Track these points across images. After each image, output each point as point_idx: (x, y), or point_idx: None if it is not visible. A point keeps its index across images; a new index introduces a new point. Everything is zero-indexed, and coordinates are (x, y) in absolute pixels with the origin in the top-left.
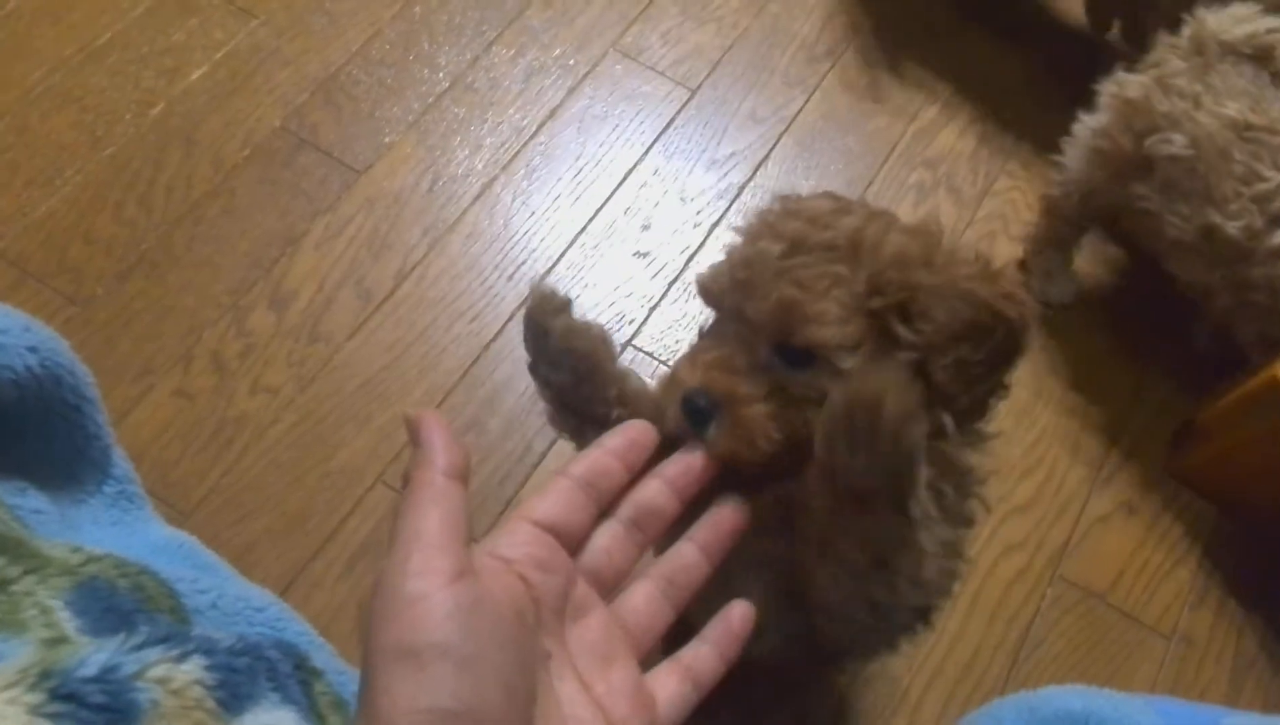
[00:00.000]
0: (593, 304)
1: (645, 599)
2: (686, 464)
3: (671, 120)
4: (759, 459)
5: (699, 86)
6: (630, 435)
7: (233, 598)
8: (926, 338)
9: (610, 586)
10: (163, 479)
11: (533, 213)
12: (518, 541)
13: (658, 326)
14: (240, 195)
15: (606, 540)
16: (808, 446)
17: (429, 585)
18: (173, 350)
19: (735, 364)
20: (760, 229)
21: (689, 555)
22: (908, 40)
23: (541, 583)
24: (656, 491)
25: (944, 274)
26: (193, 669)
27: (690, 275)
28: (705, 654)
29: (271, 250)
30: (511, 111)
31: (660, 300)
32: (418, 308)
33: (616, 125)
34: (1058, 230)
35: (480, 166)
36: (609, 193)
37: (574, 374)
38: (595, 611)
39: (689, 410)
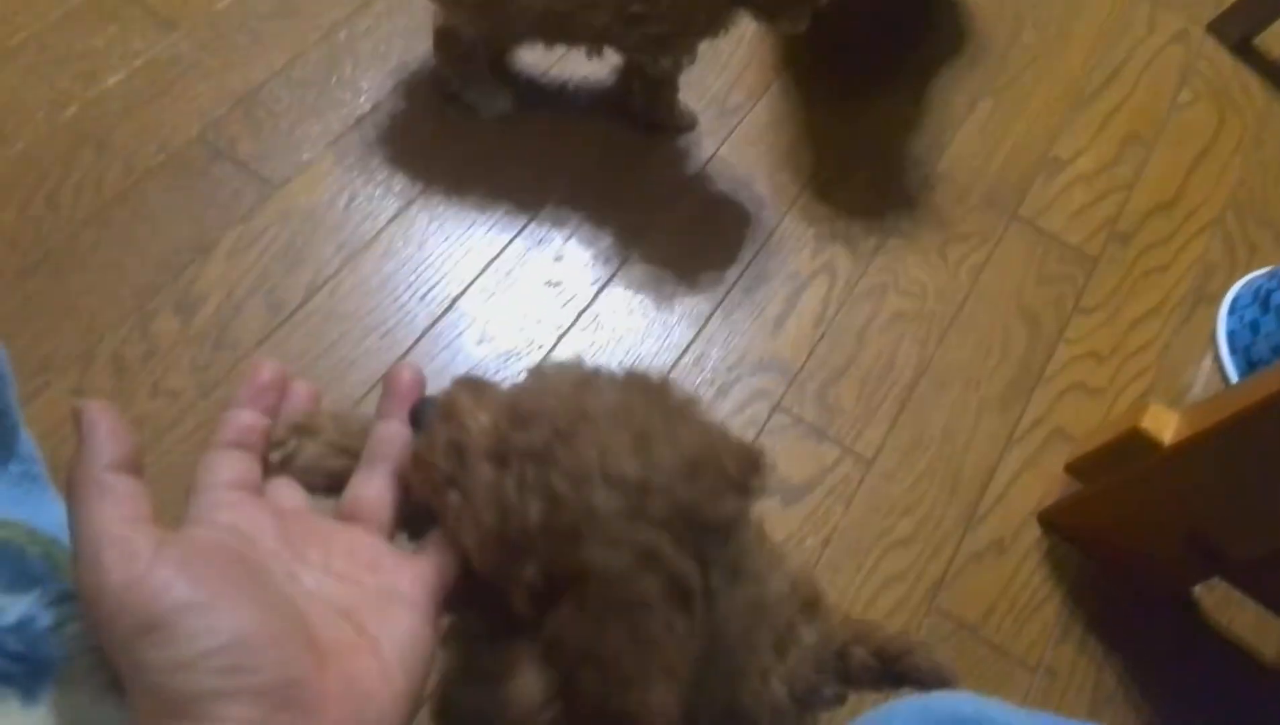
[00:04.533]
0: (502, 328)
1: (366, 483)
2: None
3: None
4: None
5: (614, 126)
6: (259, 382)
7: None
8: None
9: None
10: (54, 478)
11: (448, 237)
12: (210, 503)
13: (566, 353)
14: (151, 201)
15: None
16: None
17: (134, 569)
18: (72, 349)
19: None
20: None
21: (389, 428)
22: (816, 98)
23: (249, 524)
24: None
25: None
26: None
27: (600, 306)
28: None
29: (181, 257)
30: (432, 137)
31: (570, 328)
32: (328, 321)
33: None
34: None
35: (398, 189)
36: (524, 222)
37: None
38: (326, 531)
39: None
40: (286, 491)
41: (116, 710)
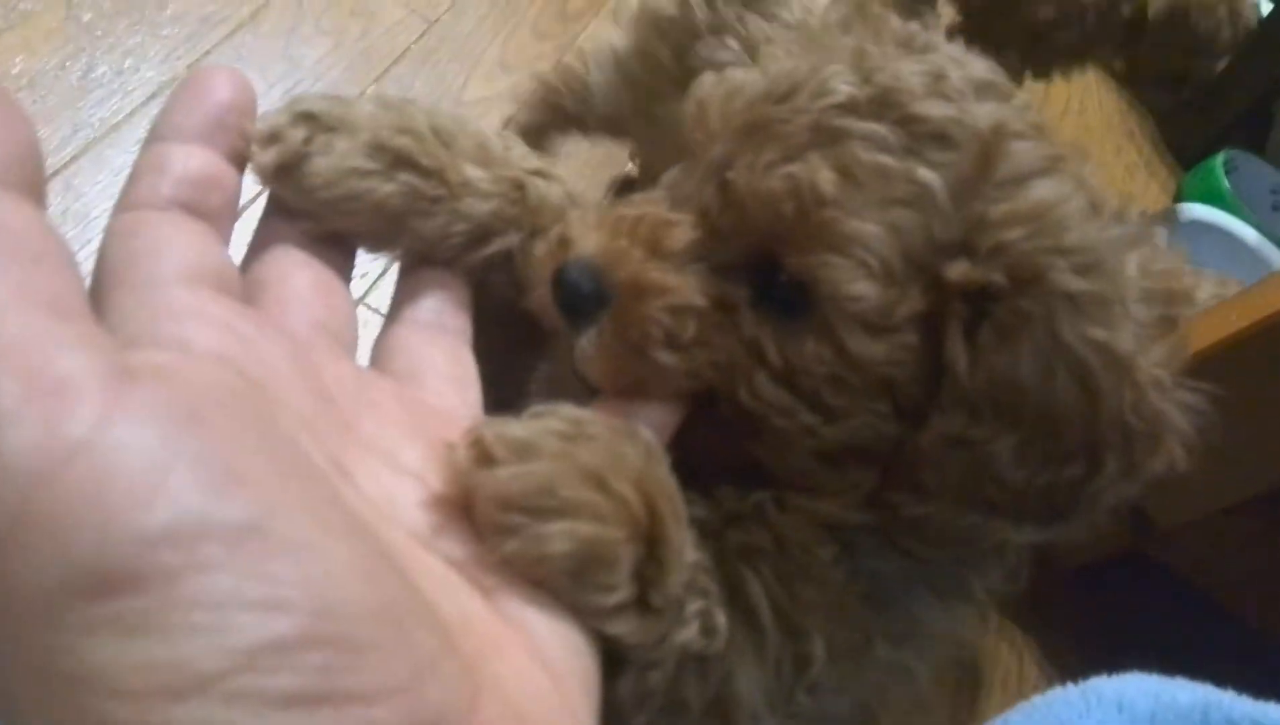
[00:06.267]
0: None
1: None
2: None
3: (406, 50)
4: (650, 394)
5: (438, 19)
6: (213, 97)
7: None
8: (977, 384)
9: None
10: None
11: None
12: (162, 309)
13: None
14: None
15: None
16: (733, 424)
17: (69, 424)
18: None
19: (670, 238)
20: (833, 43)
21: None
22: None
23: (246, 355)
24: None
25: (1098, 311)
26: None
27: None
28: None
29: None
30: (203, 0)
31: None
32: (63, 227)
33: (339, 43)
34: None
35: (157, 57)
36: None
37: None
38: (379, 383)
39: (565, 292)
40: (296, 296)
41: None
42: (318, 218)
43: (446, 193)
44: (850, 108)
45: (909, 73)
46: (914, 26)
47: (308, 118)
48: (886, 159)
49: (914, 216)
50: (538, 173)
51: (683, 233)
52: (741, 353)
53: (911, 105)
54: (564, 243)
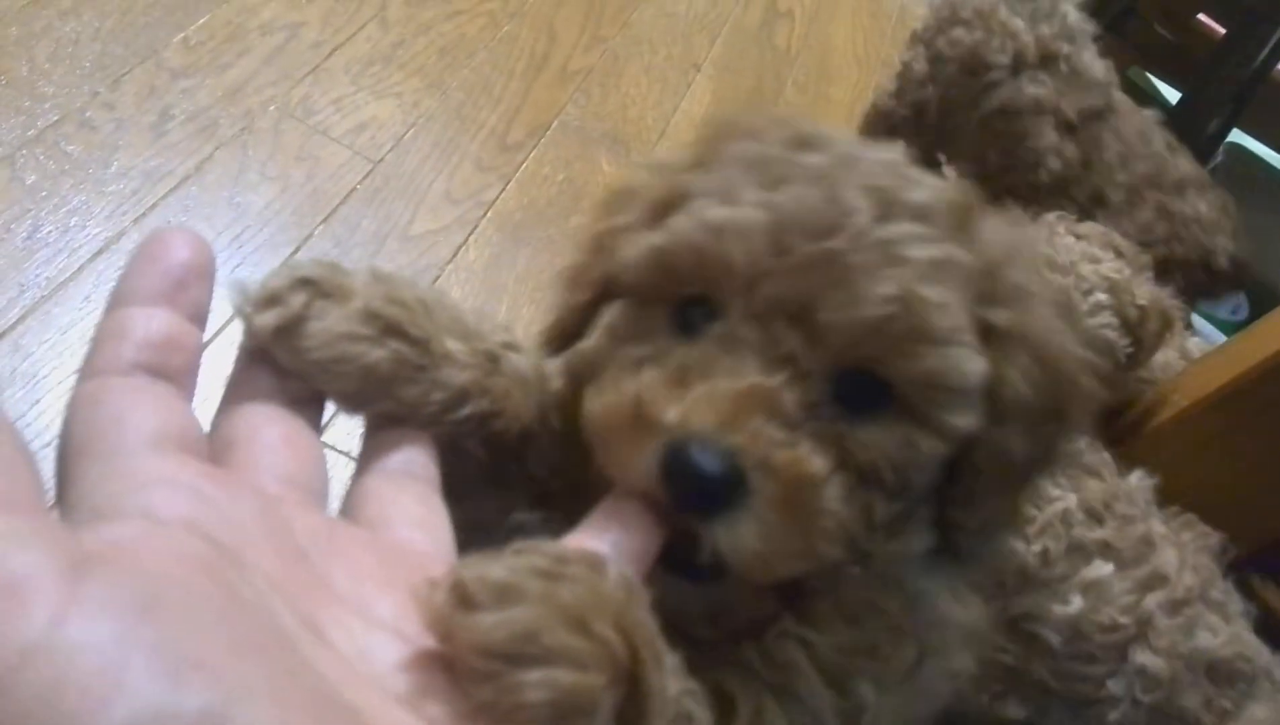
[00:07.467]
0: None
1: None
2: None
3: (352, 191)
4: (789, 576)
5: (382, 159)
6: (172, 258)
7: None
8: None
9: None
10: None
11: None
12: (130, 480)
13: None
14: None
15: (276, 434)
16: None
17: (25, 625)
18: None
19: (781, 403)
20: (802, 165)
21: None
22: (609, 139)
23: (215, 518)
24: None
25: (1039, 314)
26: None
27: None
28: None
29: None
30: (147, 156)
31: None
32: (10, 387)
33: (285, 188)
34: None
35: (102, 214)
36: (278, 263)
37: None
38: (350, 535)
39: (686, 477)
40: (265, 452)
41: None
42: (308, 378)
43: (430, 362)
44: (880, 217)
45: (873, 171)
46: (797, 121)
47: (306, 283)
48: (934, 251)
49: (963, 287)
50: (508, 346)
51: (791, 397)
52: (857, 480)
53: (900, 195)
54: (646, 418)
